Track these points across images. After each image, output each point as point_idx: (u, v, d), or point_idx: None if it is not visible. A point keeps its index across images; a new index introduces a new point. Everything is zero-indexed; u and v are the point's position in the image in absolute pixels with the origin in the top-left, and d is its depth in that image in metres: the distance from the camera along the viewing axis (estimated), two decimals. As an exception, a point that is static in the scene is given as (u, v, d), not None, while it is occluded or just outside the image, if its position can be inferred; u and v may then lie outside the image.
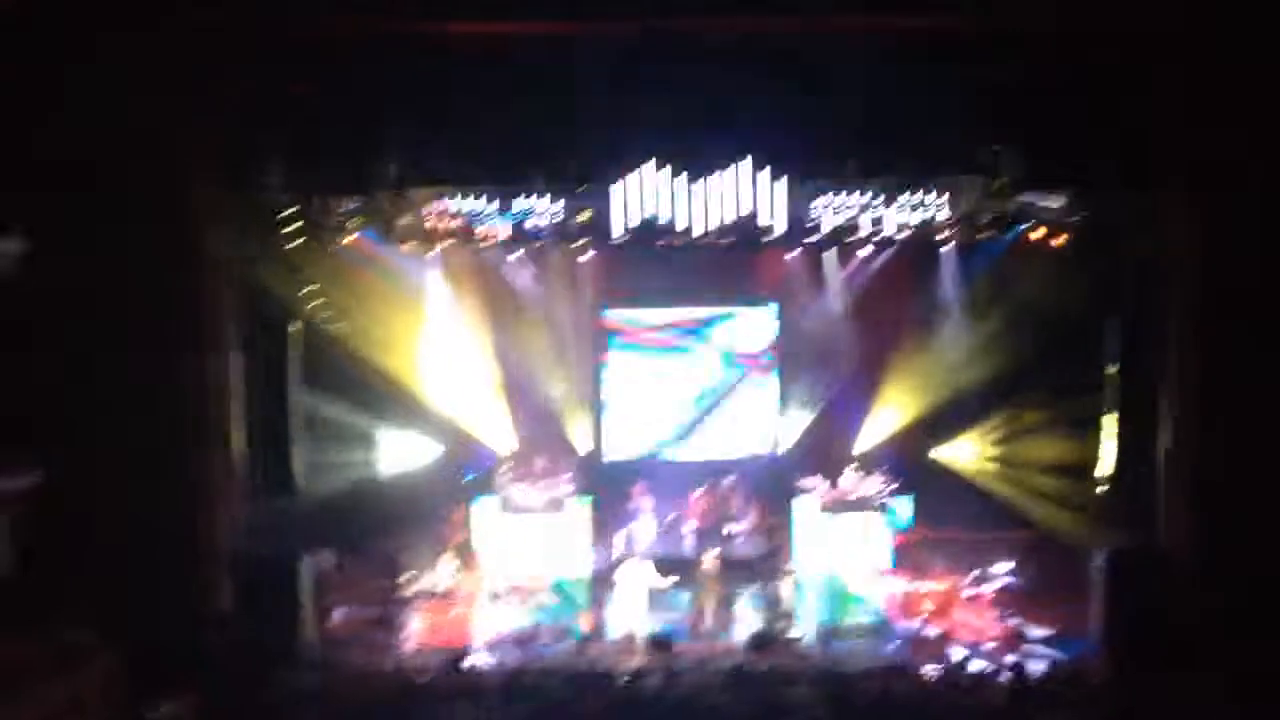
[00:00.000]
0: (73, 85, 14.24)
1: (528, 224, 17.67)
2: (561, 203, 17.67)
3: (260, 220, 16.49)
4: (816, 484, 19.65)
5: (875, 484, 19.54)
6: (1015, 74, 15.33)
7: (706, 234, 17.41)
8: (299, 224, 16.93)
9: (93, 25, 14.11)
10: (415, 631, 17.24)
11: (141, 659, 13.77)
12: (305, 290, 17.47)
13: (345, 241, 17.89)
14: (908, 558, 18.91)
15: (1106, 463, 16.51)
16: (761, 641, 16.20)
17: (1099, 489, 16.75)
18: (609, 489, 20.52)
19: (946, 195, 17.68)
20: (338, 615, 17.53)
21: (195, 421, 15.54)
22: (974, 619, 17.20)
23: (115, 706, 13.56)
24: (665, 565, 17.60)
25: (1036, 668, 14.32)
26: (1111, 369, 16.27)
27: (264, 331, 16.57)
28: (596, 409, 22.04)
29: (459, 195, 17.65)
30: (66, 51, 14.11)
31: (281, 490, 16.83)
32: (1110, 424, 16.36)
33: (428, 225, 17.59)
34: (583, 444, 21.80)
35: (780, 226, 17.47)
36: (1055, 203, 17.50)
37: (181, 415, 15.35)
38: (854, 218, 17.65)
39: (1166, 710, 12.42)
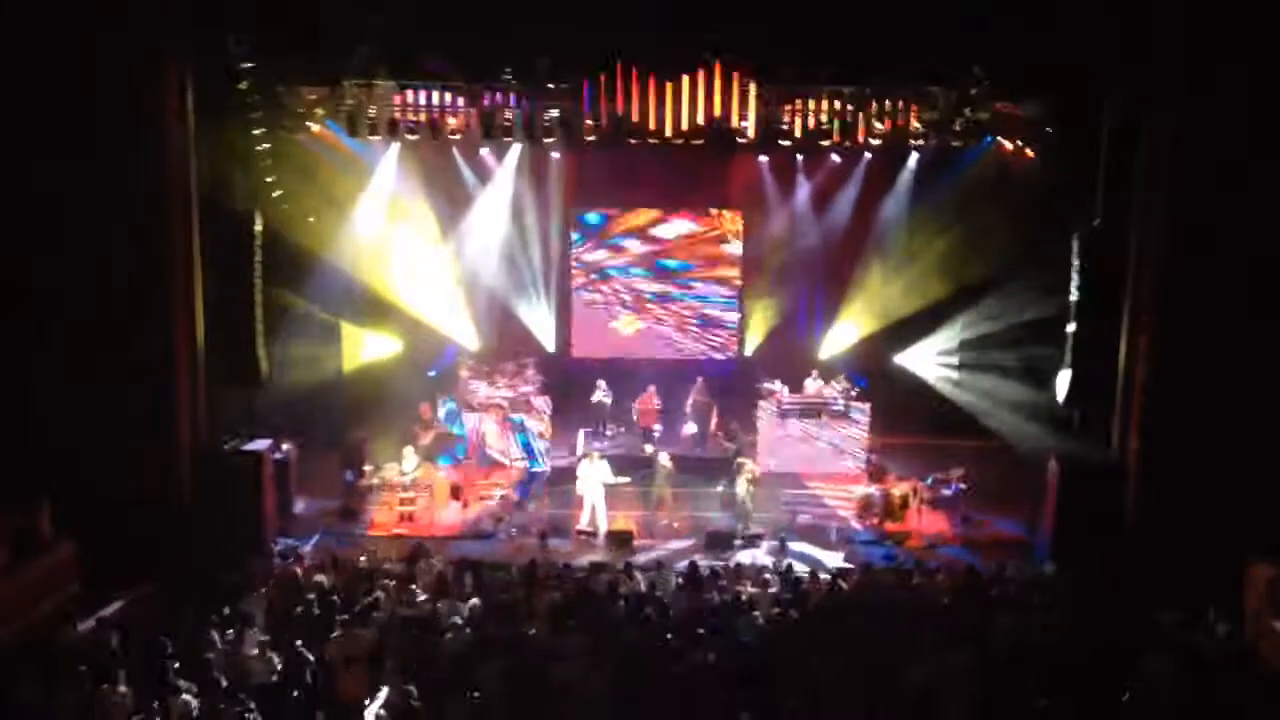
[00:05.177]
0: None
1: (497, 119, 17.41)
2: (531, 100, 17.40)
3: (226, 110, 16.22)
4: (778, 388, 19.82)
5: (836, 389, 19.73)
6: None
7: (677, 135, 17.23)
8: (264, 113, 16.66)
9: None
10: (377, 521, 17.40)
11: (103, 547, 13.87)
12: (269, 181, 17.25)
13: (310, 132, 17.65)
14: (866, 461, 19.18)
15: (1064, 373, 16.70)
16: (718, 540, 16.47)
17: (1056, 398, 16.96)
18: (572, 387, 20.65)
19: (920, 102, 17.54)
20: (300, 505, 17.67)
21: (159, 314, 15.46)
22: (928, 521, 17.50)
23: (74, 594, 13.71)
24: (625, 463, 17.77)
25: (987, 568, 14.60)
26: (1075, 280, 16.38)
27: (228, 223, 16.38)
28: (562, 307, 22.10)
29: (427, 88, 17.37)
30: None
31: (245, 382, 16.80)
32: (1070, 336, 16.53)
33: (395, 117, 17.32)
34: (548, 342, 21.90)
35: (750, 130, 17.32)
36: (1028, 113, 17.45)
37: (145, 308, 15.28)
38: (825, 124, 17.50)
39: (1112, 611, 12.75)
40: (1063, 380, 16.62)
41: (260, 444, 16.39)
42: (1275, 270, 14.69)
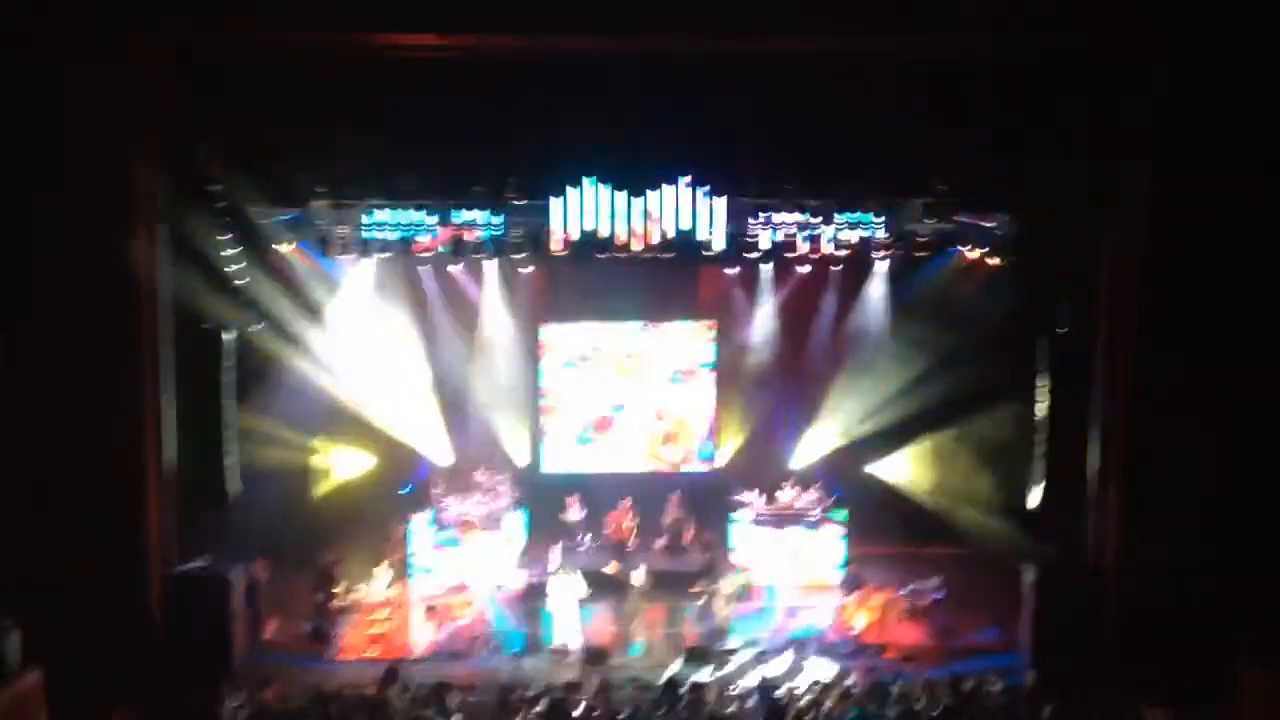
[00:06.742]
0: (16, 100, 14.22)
1: (467, 236, 17.55)
2: (501, 216, 17.56)
3: (196, 230, 16.30)
4: (753, 499, 19.76)
5: (811, 499, 19.68)
6: (955, 97, 15.52)
7: (646, 249, 17.40)
8: (234, 234, 16.75)
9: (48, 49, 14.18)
10: (348, 643, 17.12)
11: (71, 674, 13.57)
12: (240, 300, 17.28)
13: (281, 252, 17.73)
14: (843, 572, 19.04)
15: (1038, 479, 16.76)
16: (695, 655, 16.25)
17: (1030, 505, 16.99)
18: (544, 502, 20.50)
19: (884, 214, 17.78)
20: (271, 627, 17.37)
21: (128, 432, 15.35)
22: (907, 632, 17.35)
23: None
24: (598, 579, 17.58)
25: (968, 680, 14.42)
26: (1044, 387, 16.54)
27: (198, 342, 16.37)
28: (534, 421, 22.03)
29: (398, 207, 17.52)
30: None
31: (215, 501, 16.65)
32: (1042, 440, 16.63)
33: (365, 236, 17.44)
34: (519, 456, 21.78)
35: (719, 243, 17.51)
36: (992, 223, 17.72)
37: (114, 426, 15.16)
38: (792, 235, 17.70)
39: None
40: (1035, 486, 16.68)
41: (229, 566, 16.15)
42: (1246, 376, 14.83)
